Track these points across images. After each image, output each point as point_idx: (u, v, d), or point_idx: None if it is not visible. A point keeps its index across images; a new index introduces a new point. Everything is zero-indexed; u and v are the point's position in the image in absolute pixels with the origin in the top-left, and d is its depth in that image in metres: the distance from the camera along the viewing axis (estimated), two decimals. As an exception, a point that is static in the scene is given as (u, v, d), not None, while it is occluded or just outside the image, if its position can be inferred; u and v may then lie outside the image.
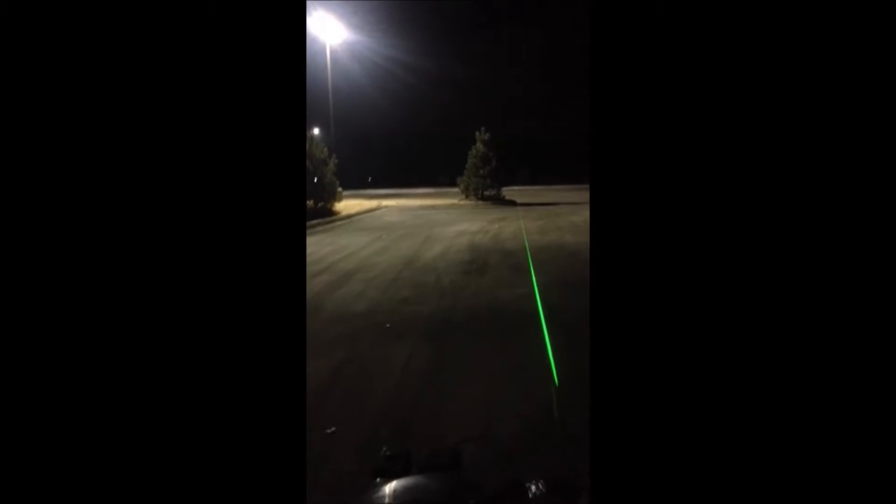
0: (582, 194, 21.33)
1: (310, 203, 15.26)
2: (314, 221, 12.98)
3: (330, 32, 21.90)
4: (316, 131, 20.56)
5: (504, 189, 21.30)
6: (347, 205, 18.18)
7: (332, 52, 22.51)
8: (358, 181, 33.95)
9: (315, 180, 15.22)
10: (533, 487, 0.48)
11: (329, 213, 15.20)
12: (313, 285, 5.60)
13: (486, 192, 21.00)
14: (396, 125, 40.01)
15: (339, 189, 17.84)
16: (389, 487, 0.54)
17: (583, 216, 13.54)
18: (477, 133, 20.92)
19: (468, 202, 20.53)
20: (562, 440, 2.20)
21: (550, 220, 13.21)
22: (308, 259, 7.41)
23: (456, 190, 21.63)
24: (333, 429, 2.36)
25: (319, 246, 8.83)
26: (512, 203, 20.39)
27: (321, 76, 21.19)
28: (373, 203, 19.54)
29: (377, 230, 11.81)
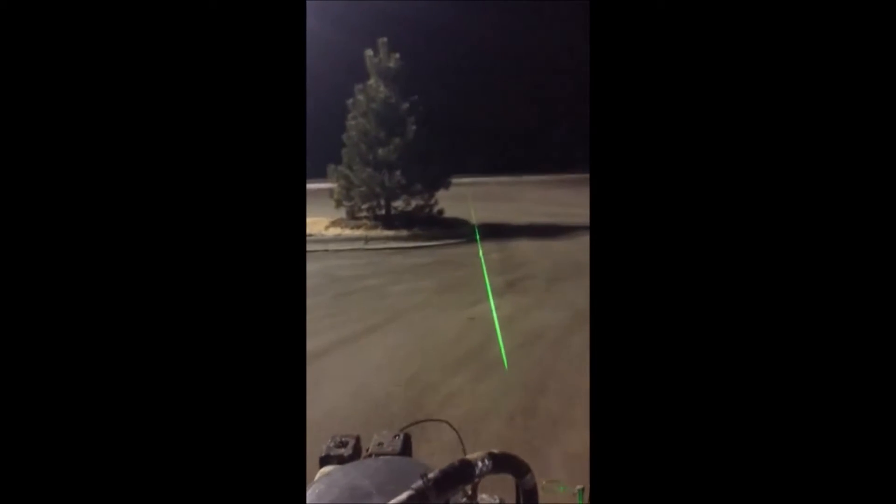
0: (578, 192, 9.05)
1: None
2: None
3: None
4: None
5: (446, 183, 8.82)
6: None
7: None
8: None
9: None
10: (480, 464, 0.45)
11: None
12: None
13: (396, 205, 8.63)
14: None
15: None
16: (337, 472, 0.53)
17: None
18: (367, 53, 8.46)
19: (349, 231, 8.07)
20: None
21: None
22: None
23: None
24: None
25: None
26: (458, 230, 8.25)
27: None
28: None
29: None
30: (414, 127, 8.08)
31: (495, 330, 3.60)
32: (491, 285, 4.81)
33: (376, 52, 8.30)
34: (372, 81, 8.32)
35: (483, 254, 6.26)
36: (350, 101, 8.47)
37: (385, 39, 8.24)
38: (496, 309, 4.09)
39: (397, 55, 8.27)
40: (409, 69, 8.41)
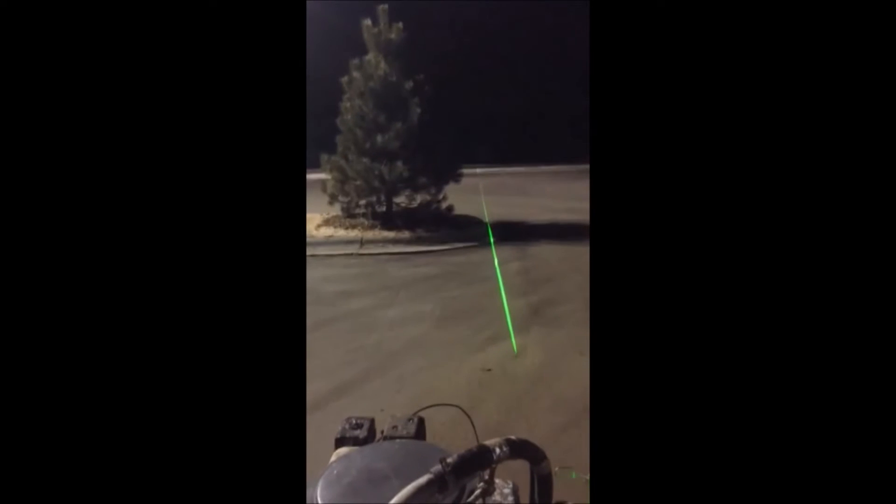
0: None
1: None
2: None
3: None
4: None
5: (456, 175, 7.61)
6: None
7: None
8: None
9: None
10: (497, 450, 0.46)
11: None
12: None
13: (399, 201, 7.50)
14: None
15: None
16: (354, 455, 0.54)
17: None
18: (364, 23, 7.27)
19: (343, 231, 6.97)
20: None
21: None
22: None
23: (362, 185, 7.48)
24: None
25: None
26: (469, 231, 7.13)
27: None
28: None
29: None
30: (418, 110, 6.92)
31: (520, 388, 2.49)
32: (511, 311, 3.69)
33: (375, 22, 7.12)
34: (370, 56, 7.15)
35: (499, 263, 5.14)
36: (345, 80, 7.31)
37: (386, 7, 7.06)
38: (519, 352, 2.98)
39: (400, 25, 7.09)
40: (413, 40, 7.23)
